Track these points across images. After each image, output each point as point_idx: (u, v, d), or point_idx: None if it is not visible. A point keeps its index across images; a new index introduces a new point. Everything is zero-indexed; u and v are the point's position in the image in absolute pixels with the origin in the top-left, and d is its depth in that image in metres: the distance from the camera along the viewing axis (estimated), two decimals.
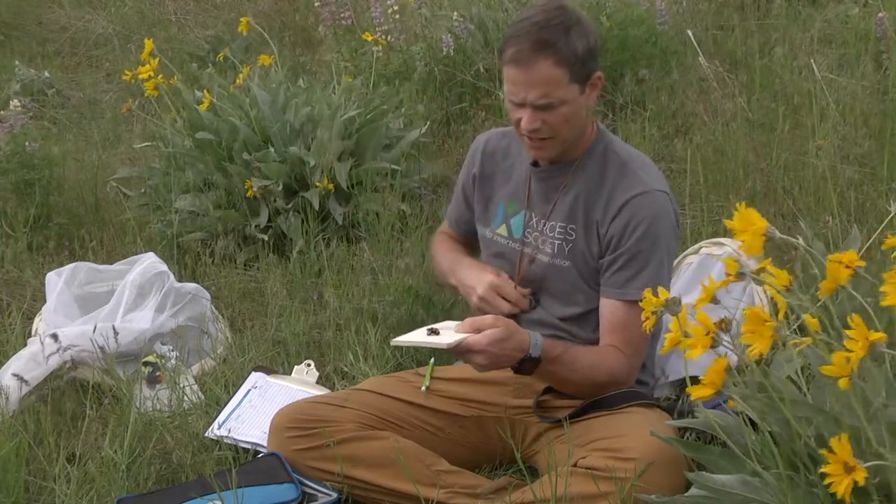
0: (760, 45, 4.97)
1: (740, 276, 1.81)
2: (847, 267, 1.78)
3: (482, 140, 2.73)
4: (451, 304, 3.15)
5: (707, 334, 1.77)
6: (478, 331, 2.33)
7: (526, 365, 2.39)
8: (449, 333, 2.36)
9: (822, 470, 1.69)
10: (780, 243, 1.78)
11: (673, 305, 1.82)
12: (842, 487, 1.66)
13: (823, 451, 1.69)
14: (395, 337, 2.50)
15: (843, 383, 1.66)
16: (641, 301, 1.90)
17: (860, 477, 1.64)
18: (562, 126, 2.44)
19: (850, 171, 3.78)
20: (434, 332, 2.38)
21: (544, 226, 2.57)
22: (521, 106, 2.43)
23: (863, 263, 1.79)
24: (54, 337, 2.99)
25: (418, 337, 2.40)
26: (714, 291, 1.83)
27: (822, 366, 1.70)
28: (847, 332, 1.68)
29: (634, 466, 2.24)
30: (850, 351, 1.66)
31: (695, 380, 1.84)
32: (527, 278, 2.59)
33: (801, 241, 1.82)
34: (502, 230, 2.64)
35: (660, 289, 1.89)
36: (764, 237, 1.77)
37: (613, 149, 2.55)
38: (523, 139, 2.50)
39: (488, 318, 2.37)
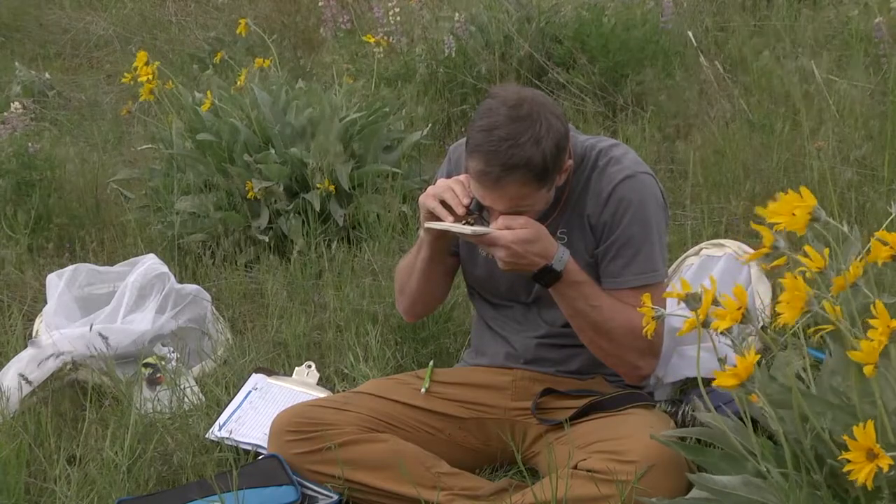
0: (761, 46, 4.96)
1: (774, 248, 1.79)
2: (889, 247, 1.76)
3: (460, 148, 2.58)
4: (451, 307, 3.14)
5: (738, 309, 1.77)
6: (508, 228, 2.34)
7: (545, 276, 2.38)
8: (481, 227, 2.38)
9: (842, 456, 1.67)
10: (824, 227, 1.77)
11: (693, 301, 1.81)
12: (863, 474, 1.64)
13: (845, 437, 1.67)
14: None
15: (868, 370, 1.66)
16: (641, 287, 1.89)
17: (884, 463, 1.63)
18: (535, 214, 2.43)
19: (850, 173, 3.78)
20: (470, 224, 2.41)
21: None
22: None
23: None
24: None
25: (451, 223, 2.42)
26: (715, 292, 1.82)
27: (848, 351, 1.68)
28: (871, 320, 1.67)
29: (635, 469, 2.24)
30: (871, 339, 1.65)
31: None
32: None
33: (845, 227, 1.82)
34: None
35: (682, 280, 1.88)
36: (810, 215, 1.76)
37: (588, 146, 2.52)
38: None
39: (521, 218, 2.36)
